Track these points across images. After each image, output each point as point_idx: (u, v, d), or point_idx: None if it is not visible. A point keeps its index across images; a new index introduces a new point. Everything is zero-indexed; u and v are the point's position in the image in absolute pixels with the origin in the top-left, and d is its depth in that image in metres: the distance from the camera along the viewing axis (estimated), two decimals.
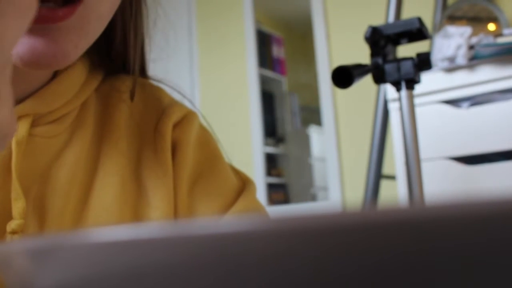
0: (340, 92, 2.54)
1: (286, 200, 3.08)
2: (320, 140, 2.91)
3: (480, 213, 0.11)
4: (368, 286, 0.12)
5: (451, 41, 1.57)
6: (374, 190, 1.65)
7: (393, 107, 1.62)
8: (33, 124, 0.44)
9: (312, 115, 2.97)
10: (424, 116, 1.58)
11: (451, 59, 1.56)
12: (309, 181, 3.01)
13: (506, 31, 1.66)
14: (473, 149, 1.52)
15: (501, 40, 1.60)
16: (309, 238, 0.12)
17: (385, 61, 1.04)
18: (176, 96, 0.56)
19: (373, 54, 1.05)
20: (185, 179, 0.50)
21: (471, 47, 1.56)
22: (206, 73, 3.00)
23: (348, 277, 0.12)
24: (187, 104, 0.56)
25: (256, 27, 2.93)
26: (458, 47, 1.55)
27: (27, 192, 0.43)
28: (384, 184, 1.91)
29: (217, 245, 0.13)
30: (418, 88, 1.52)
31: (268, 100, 3.11)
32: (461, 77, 1.56)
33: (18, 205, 0.41)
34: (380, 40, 1.05)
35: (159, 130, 0.51)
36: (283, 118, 3.25)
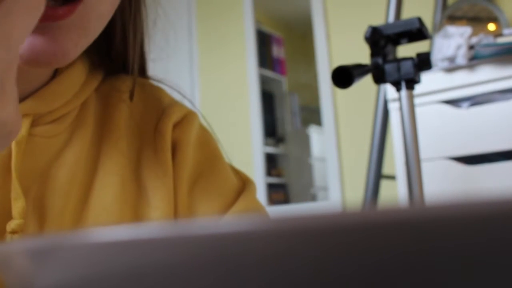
0: (340, 92, 2.54)
1: (286, 200, 3.08)
2: (320, 140, 2.91)
3: (480, 213, 0.11)
4: (368, 286, 0.12)
5: (451, 41, 1.57)
6: (374, 190, 1.65)
7: (393, 107, 1.62)
8: (33, 124, 0.44)
9: (312, 115, 2.97)
10: (424, 116, 1.58)
11: (451, 59, 1.56)
12: (309, 181, 3.01)
13: (506, 31, 1.66)
14: (473, 149, 1.52)
15: (501, 40, 1.60)
16: (309, 238, 0.12)
17: (385, 61, 1.04)
18: (176, 96, 0.56)
19: (373, 54, 1.05)
20: (185, 179, 0.50)
21: (471, 47, 1.56)
22: (206, 73, 3.00)
23: (348, 277, 0.12)
24: (187, 104, 0.56)
25: (256, 27, 2.93)
26: (458, 47, 1.55)
27: (27, 192, 0.42)
28: (384, 184, 1.91)
29: (217, 245, 0.13)
30: (418, 88, 1.52)
31: (268, 100, 3.11)
32: (461, 77, 1.56)
33: (18, 205, 0.41)
34: (380, 40, 1.05)
35: (159, 130, 0.51)
36: (283, 118, 3.25)
